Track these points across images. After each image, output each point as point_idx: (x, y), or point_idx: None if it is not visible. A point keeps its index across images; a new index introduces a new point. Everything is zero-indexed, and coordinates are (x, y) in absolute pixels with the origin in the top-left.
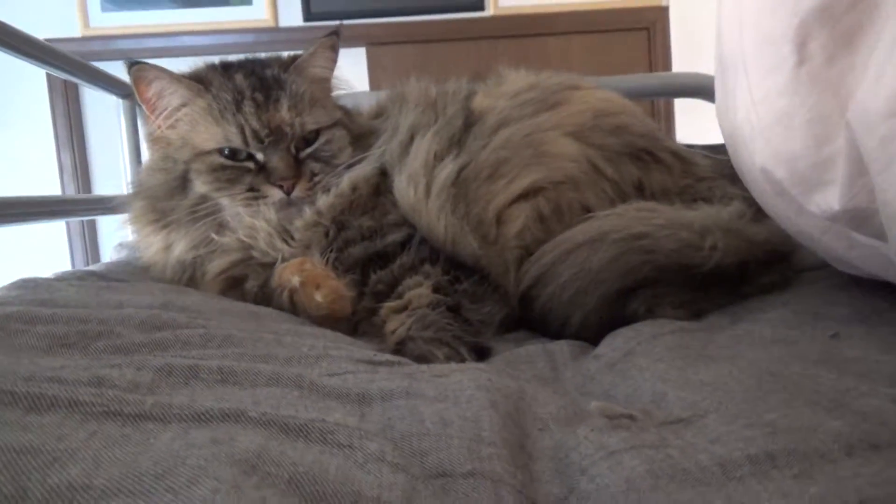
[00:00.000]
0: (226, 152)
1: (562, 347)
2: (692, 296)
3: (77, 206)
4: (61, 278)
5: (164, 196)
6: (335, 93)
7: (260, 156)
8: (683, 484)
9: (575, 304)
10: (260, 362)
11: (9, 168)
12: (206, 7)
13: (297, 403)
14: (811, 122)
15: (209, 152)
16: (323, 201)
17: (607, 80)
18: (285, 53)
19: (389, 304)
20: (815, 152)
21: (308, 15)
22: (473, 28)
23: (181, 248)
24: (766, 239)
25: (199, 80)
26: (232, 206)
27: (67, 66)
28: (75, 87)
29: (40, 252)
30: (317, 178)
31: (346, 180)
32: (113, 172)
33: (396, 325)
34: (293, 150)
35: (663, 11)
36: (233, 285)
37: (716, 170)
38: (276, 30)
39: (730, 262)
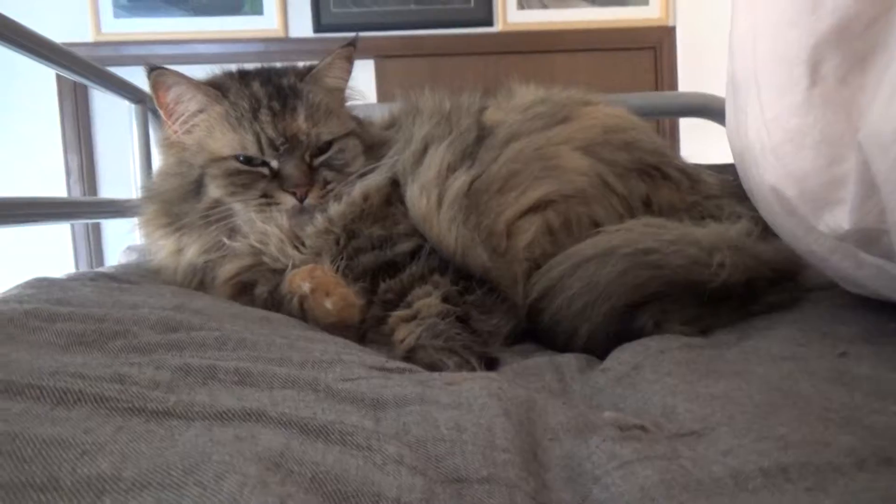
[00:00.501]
0: (241, 158)
1: (569, 360)
2: (700, 312)
3: (82, 208)
4: (74, 278)
5: (177, 200)
6: (349, 103)
7: (274, 163)
8: (697, 494)
9: (583, 317)
10: (275, 365)
11: (16, 168)
12: (217, 16)
13: (315, 406)
14: (823, 142)
15: (225, 158)
16: (334, 209)
17: (613, 99)
18: (300, 63)
19: (398, 313)
20: (826, 172)
21: (318, 26)
22: (482, 43)
23: (193, 251)
24: (773, 257)
25: (216, 87)
26: (245, 212)
27: (83, 69)
28: (85, 89)
29: (44, 254)
30: (329, 187)
31: (357, 189)
32: (119, 176)
33: (406, 334)
34: (307, 159)
35: (670, 31)
36: (242, 290)
37: (723, 188)
38: (286, 40)
39: (737, 280)
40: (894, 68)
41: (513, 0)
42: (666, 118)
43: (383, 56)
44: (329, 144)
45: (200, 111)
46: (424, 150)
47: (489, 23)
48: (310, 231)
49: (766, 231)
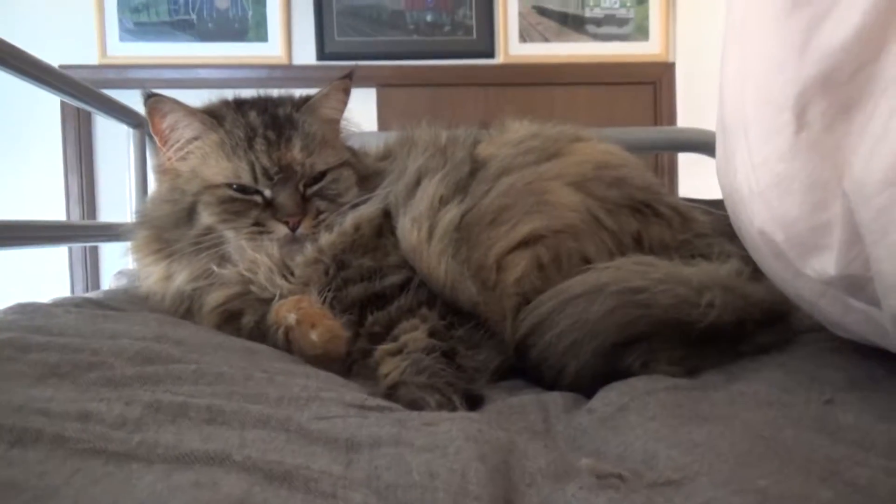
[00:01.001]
0: (234, 187)
1: (555, 399)
2: (688, 352)
3: (80, 231)
4: (59, 304)
5: (169, 226)
6: (344, 133)
7: (268, 192)
8: None
9: (570, 354)
10: (250, 402)
11: (17, 191)
12: (222, 42)
13: (284, 448)
14: (809, 188)
15: (219, 185)
16: (325, 239)
17: (613, 132)
18: (297, 92)
19: (384, 347)
20: (813, 217)
21: (321, 54)
22: (483, 75)
23: (182, 278)
24: (763, 298)
25: (212, 115)
26: (236, 239)
27: (80, 93)
28: (88, 114)
29: (41, 277)
30: (322, 216)
31: (349, 219)
32: (119, 200)
33: (390, 369)
34: (301, 188)
35: (669, 67)
36: (229, 319)
37: (715, 227)
38: (290, 67)
39: (727, 320)
40: (877, 119)
41: (515, 33)
42: (665, 153)
43: (385, 85)
44: (323, 174)
45: (195, 138)
46: (417, 182)
47: (491, 55)
48: (299, 261)
49: (756, 271)
